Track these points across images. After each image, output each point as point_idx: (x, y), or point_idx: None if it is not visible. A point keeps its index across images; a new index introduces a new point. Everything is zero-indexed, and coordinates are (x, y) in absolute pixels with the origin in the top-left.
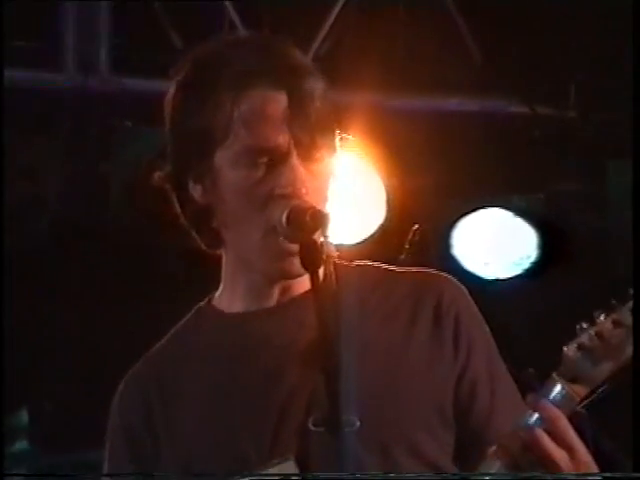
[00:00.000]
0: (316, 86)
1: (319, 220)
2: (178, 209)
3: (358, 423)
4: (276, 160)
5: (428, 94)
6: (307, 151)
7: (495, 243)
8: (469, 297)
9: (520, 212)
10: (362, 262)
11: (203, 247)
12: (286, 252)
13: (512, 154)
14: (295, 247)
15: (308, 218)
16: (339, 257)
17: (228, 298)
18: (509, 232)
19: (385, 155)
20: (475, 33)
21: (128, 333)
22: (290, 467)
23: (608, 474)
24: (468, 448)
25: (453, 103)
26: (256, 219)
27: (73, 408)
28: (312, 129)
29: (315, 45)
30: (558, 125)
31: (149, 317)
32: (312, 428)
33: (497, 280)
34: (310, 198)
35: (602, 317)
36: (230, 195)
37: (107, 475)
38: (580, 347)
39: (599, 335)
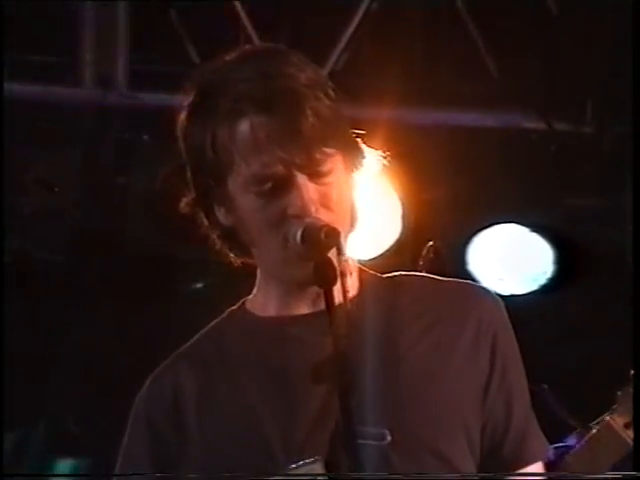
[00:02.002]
0: (309, 103)
1: (334, 237)
2: (209, 229)
3: (389, 437)
4: (280, 184)
5: (444, 109)
6: (309, 169)
7: (511, 259)
8: (505, 313)
9: (536, 227)
10: (397, 273)
11: (237, 261)
12: (308, 262)
13: (528, 169)
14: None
15: (323, 235)
16: (361, 271)
17: (261, 302)
18: (525, 247)
19: (400, 170)
20: (491, 48)
21: (144, 343)
22: (318, 468)
23: (607, 474)
24: (503, 466)
25: (469, 118)
26: (274, 237)
27: (91, 418)
28: (308, 147)
29: (332, 59)
30: (574, 140)
31: (165, 327)
32: None
33: (513, 296)
34: (322, 214)
35: None
36: (247, 217)
37: (109, 475)
38: (636, 390)
39: None
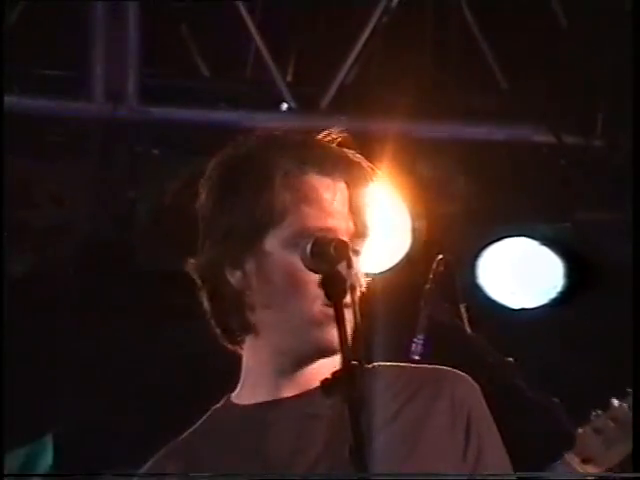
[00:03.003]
0: (367, 179)
1: (343, 251)
2: (206, 302)
3: None
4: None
5: (454, 122)
6: (355, 240)
7: (521, 272)
8: (480, 394)
9: (546, 241)
10: (376, 363)
11: (227, 344)
12: (330, 321)
13: (538, 183)
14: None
15: (332, 249)
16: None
17: (249, 392)
18: (535, 261)
19: (410, 183)
20: (501, 61)
21: (153, 357)
22: None
23: (608, 474)
24: None
25: (479, 131)
26: (306, 296)
27: (99, 432)
28: (364, 220)
29: (342, 73)
30: (585, 153)
31: (174, 341)
32: None
33: (523, 309)
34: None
35: (616, 403)
36: (279, 276)
37: (111, 475)
38: (595, 430)
39: (614, 419)
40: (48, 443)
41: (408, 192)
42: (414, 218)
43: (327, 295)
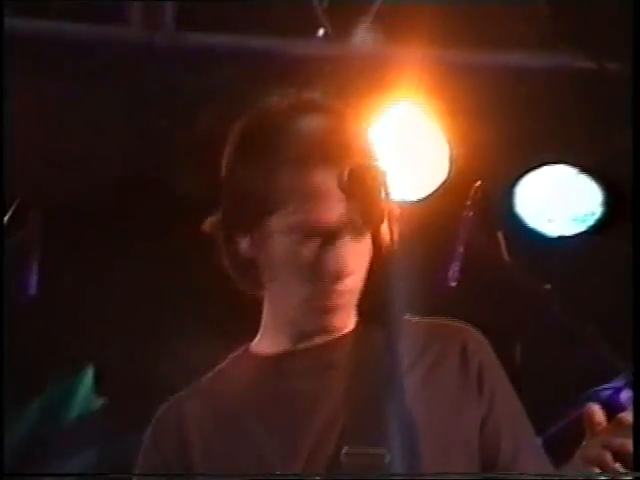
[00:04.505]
0: (371, 166)
1: (380, 178)
2: (224, 254)
3: (388, 458)
4: (327, 238)
5: (492, 49)
6: (357, 231)
7: (559, 200)
8: (490, 348)
9: (584, 169)
10: None
11: (243, 289)
12: (326, 310)
13: (577, 110)
14: (333, 304)
15: (370, 176)
16: (402, 214)
17: (269, 342)
18: (573, 189)
19: (448, 111)
20: None
21: (187, 288)
22: None
23: (607, 474)
24: None
25: (517, 58)
26: (300, 284)
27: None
28: (365, 211)
29: (377, 1)
30: (626, 81)
31: (207, 273)
32: (344, 460)
33: (561, 237)
34: (354, 276)
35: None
36: (278, 257)
37: (111, 475)
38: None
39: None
40: (89, 374)
41: (445, 120)
42: (451, 146)
43: (365, 222)
